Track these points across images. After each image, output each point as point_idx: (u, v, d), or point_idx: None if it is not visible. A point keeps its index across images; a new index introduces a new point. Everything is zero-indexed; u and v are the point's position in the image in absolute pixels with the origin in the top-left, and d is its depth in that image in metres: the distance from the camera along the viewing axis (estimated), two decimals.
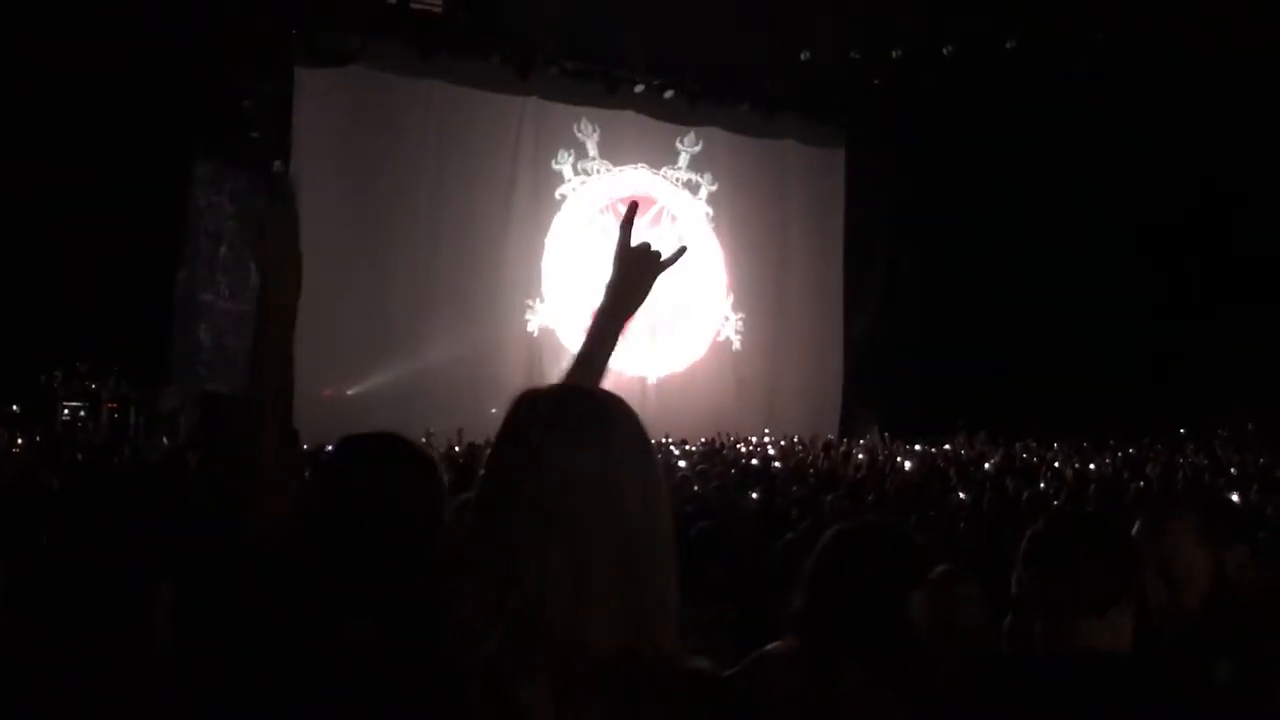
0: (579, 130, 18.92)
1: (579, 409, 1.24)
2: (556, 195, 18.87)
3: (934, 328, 19.23)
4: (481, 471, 1.25)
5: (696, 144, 19.81)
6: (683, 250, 1.85)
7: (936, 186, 18.78)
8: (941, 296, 19.37)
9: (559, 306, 18.19)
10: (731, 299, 20.62)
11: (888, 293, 20.99)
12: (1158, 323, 18.00)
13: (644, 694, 1.14)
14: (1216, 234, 17.43)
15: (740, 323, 20.67)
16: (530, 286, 18.34)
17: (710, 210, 20.53)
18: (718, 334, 20.51)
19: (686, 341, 20.00)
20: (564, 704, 1.12)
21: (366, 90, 16.65)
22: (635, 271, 1.73)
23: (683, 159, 19.86)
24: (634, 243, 1.76)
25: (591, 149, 19.16)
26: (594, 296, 1.75)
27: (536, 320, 18.24)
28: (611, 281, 1.73)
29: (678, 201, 19.95)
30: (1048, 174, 18.20)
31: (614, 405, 1.26)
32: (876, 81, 18.30)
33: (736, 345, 20.58)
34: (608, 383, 1.56)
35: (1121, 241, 18.50)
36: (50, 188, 13.14)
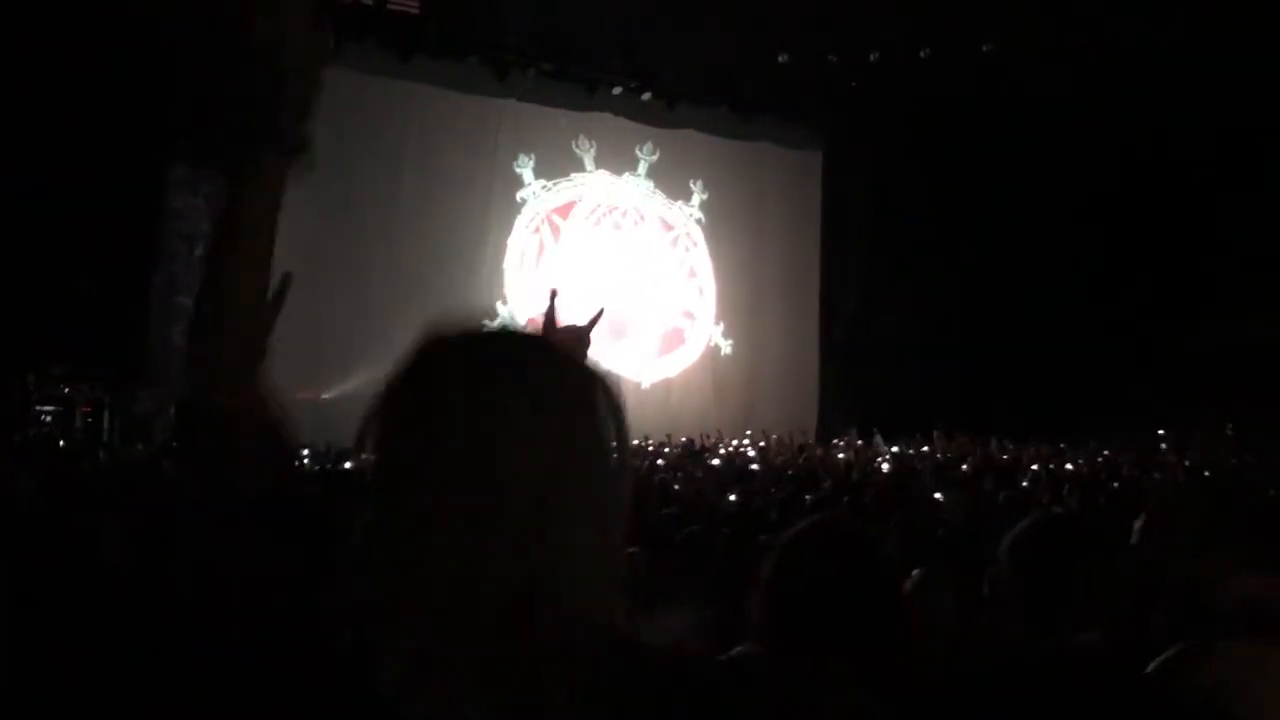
0: (557, 133, 18.92)
1: (521, 363, 1.11)
2: (518, 197, 18.87)
3: (911, 329, 19.30)
4: (387, 424, 1.13)
5: (654, 153, 19.76)
6: (600, 312, 1.82)
7: (913, 189, 18.86)
8: (919, 297, 19.43)
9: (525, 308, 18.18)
10: (716, 304, 20.67)
11: (865, 294, 21.05)
12: (1136, 323, 18.11)
13: (595, 676, 1.03)
14: (1197, 236, 17.53)
15: (721, 326, 20.74)
16: (501, 290, 18.31)
17: (703, 217, 20.59)
18: (709, 340, 20.56)
19: (679, 347, 20.13)
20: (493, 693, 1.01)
21: (343, 91, 16.53)
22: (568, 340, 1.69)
23: (641, 167, 19.80)
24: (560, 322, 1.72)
25: (577, 152, 19.21)
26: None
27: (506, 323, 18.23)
28: None
29: (647, 207, 19.91)
30: (1024, 176, 18.29)
31: (561, 358, 1.13)
32: (854, 84, 18.37)
33: (726, 350, 20.64)
34: None
35: (1099, 243, 18.60)
36: (23, 190, 13.00)
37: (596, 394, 1.11)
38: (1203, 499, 2.18)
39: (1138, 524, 2.16)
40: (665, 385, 19.69)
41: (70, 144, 13.24)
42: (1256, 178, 16.60)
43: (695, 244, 20.59)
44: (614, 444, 1.10)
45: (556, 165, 18.99)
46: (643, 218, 19.92)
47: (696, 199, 20.55)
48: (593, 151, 19.33)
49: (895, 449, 15.32)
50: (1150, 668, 1.86)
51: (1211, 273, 17.45)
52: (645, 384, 19.38)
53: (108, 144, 13.55)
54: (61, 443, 11.57)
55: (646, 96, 18.97)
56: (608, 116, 19.02)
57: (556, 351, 1.13)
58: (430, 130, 17.44)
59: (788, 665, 1.85)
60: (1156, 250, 17.96)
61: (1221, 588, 1.98)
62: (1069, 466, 12.05)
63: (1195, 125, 16.61)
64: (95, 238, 13.65)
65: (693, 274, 20.54)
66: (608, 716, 1.03)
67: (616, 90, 18.68)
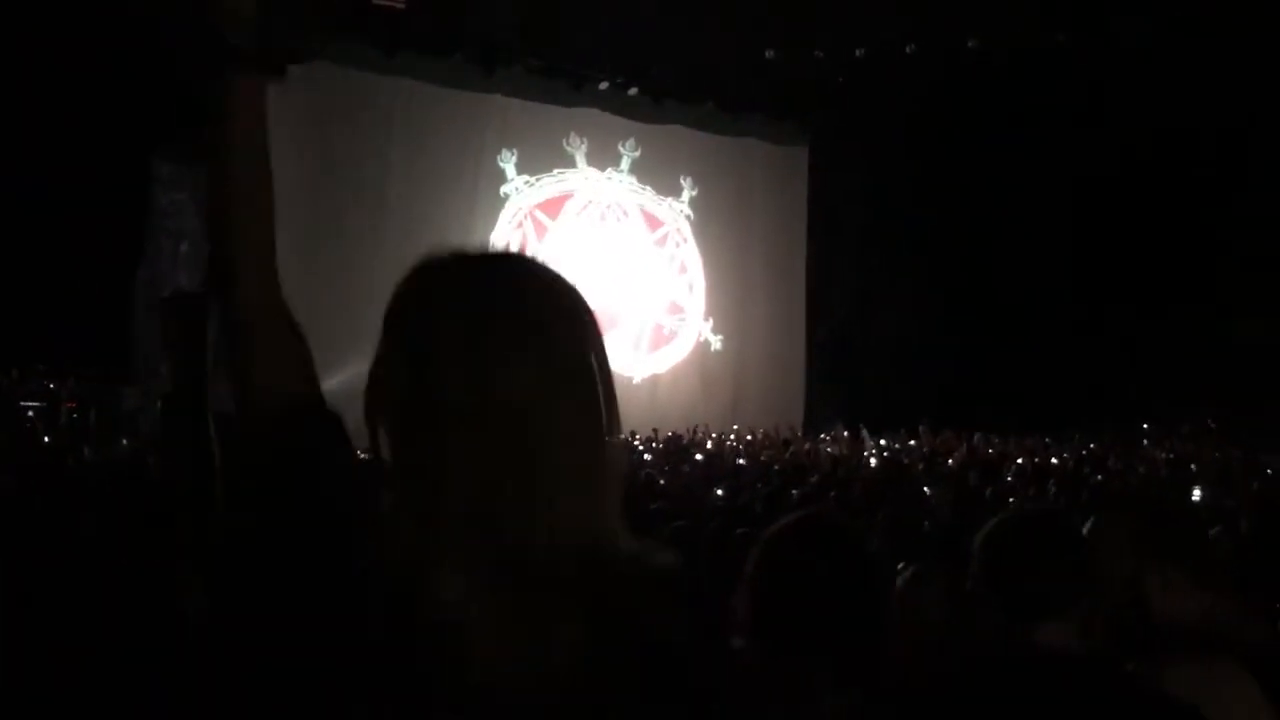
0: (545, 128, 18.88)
1: (518, 284, 1.14)
2: (501, 192, 18.82)
3: (898, 323, 19.35)
4: (397, 354, 1.15)
5: (636, 149, 19.71)
6: None
7: (900, 185, 18.90)
8: (905, 293, 19.48)
9: None
10: (706, 300, 20.69)
11: (851, 289, 21.08)
12: (1122, 319, 18.19)
13: (611, 592, 1.06)
14: (1185, 233, 17.61)
15: (711, 322, 20.75)
16: None
17: (692, 214, 20.59)
18: (699, 335, 20.58)
19: (668, 343, 20.18)
20: (521, 611, 1.04)
21: (329, 87, 16.49)
22: None
23: (624, 163, 19.76)
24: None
25: (568, 149, 19.18)
26: None
27: None
28: None
29: (632, 203, 19.85)
30: (1010, 172, 18.35)
31: (556, 279, 1.16)
32: (840, 80, 18.38)
33: (716, 346, 20.66)
34: None
35: (1086, 238, 18.67)
36: (8, 186, 12.93)
37: (587, 312, 1.15)
38: (1145, 513, 2.18)
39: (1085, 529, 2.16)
40: (654, 381, 19.71)
41: (56, 141, 13.17)
42: (1246, 176, 16.68)
43: (685, 240, 20.59)
44: (599, 363, 1.13)
45: (540, 160, 18.94)
46: (625, 213, 19.88)
47: (686, 195, 20.55)
48: (584, 148, 19.31)
49: (883, 442, 15.37)
50: (1122, 670, 1.87)
51: (1199, 270, 17.54)
52: (636, 379, 19.43)
53: (93, 141, 13.49)
54: (46, 439, 11.50)
55: (633, 92, 18.94)
56: (594, 112, 18.99)
57: (549, 269, 1.16)
58: (417, 126, 17.40)
59: (772, 662, 1.86)
60: (1143, 247, 18.04)
61: (1164, 604, 1.98)
62: (1054, 461, 12.09)
63: (1182, 123, 16.68)
64: (81, 234, 13.58)
65: (683, 269, 20.55)
66: (616, 635, 1.06)
67: (603, 86, 18.65)
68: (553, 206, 19.10)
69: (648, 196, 20.26)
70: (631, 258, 19.82)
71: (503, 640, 1.04)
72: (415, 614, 1.04)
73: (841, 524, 2.05)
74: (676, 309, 20.43)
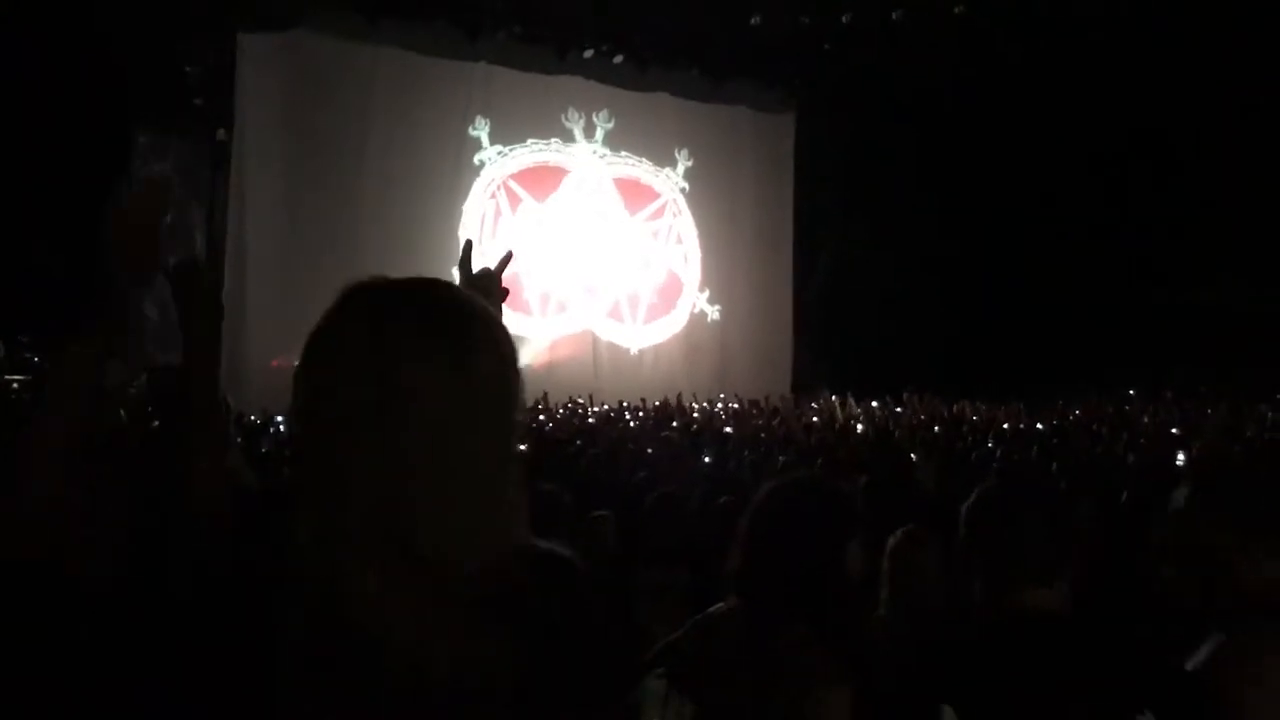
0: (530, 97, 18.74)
1: (426, 304, 1.19)
2: (475, 160, 18.69)
3: (884, 290, 19.39)
4: (303, 371, 1.18)
5: (610, 120, 19.57)
6: (468, 244, 1.88)
7: (886, 151, 18.87)
8: (891, 259, 19.50)
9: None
10: (701, 270, 20.71)
11: (838, 256, 21.09)
12: (1109, 286, 18.27)
13: (520, 588, 1.12)
14: (1171, 201, 17.66)
15: (708, 293, 20.78)
16: (489, 252, 18.22)
17: (687, 186, 20.54)
18: (695, 306, 20.62)
19: (665, 314, 20.25)
20: (427, 619, 1.08)
21: (311, 55, 16.37)
22: (480, 288, 1.74)
23: (598, 134, 19.60)
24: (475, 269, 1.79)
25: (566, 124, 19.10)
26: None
27: None
28: None
29: (590, 176, 19.68)
30: (996, 139, 18.34)
31: (465, 299, 1.21)
32: (826, 46, 18.30)
33: (714, 316, 20.72)
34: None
35: (1073, 206, 18.71)
36: None
37: (499, 336, 1.20)
38: (1239, 485, 2.11)
39: (1179, 494, 2.12)
40: (653, 352, 19.79)
41: (34, 112, 13.04)
42: (1228, 145, 16.70)
43: (680, 211, 20.56)
44: (508, 387, 1.18)
45: (515, 131, 18.76)
46: (606, 185, 19.74)
47: (681, 166, 20.50)
48: (581, 123, 19.22)
49: (874, 404, 15.42)
50: (1196, 661, 1.84)
51: (1184, 237, 17.60)
52: (633, 350, 19.53)
53: (72, 112, 13.37)
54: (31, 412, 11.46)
55: (618, 60, 18.81)
56: (576, 80, 18.85)
57: (462, 295, 1.21)
58: (397, 94, 17.25)
59: (759, 623, 1.88)
60: (1130, 213, 18.09)
61: (1251, 577, 1.93)
62: (1039, 426, 12.15)
63: (1165, 91, 16.69)
64: (61, 206, 13.48)
65: (679, 240, 20.54)
66: (525, 628, 1.12)
67: (588, 53, 18.51)
68: (528, 178, 18.92)
69: (644, 168, 20.18)
70: (620, 229, 19.77)
71: (421, 636, 1.07)
72: (333, 615, 1.07)
73: (831, 485, 2.07)
74: (674, 279, 20.43)
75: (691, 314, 20.59)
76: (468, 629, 1.09)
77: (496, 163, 18.59)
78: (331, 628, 1.08)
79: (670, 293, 20.35)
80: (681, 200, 20.56)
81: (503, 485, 1.15)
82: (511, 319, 17.90)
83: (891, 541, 3.08)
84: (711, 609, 2.05)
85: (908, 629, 2.73)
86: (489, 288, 1.76)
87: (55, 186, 13.36)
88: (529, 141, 18.88)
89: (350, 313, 1.20)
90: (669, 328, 20.24)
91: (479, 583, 1.10)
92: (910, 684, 1.84)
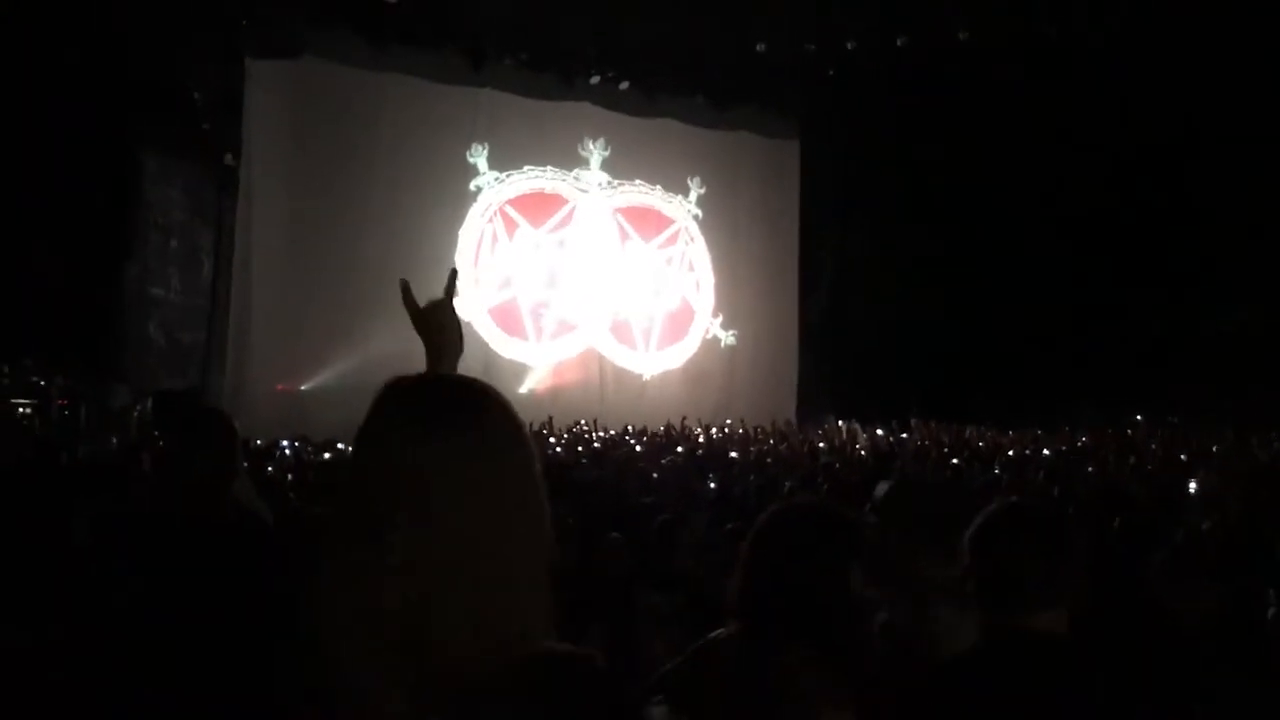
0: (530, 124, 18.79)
1: (442, 398, 1.21)
2: (472, 186, 18.68)
3: (889, 316, 19.39)
4: (347, 468, 1.20)
5: (606, 149, 19.56)
6: (453, 273, 1.89)
7: (890, 177, 18.91)
8: (896, 285, 19.51)
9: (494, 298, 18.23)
10: (715, 295, 20.80)
11: (842, 282, 21.12)
12: (1113, 310, 18.25)
13: (517, 696, 1.11)
14: (1174, 224, 17.65)
15: (721, 318, 20.87)
16: (485, 279, 18.23)
17: (700, 213, 20.64)
18: (708, 331, 20.72)
19: (678, 340, 20.35)
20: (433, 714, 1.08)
21: (318, 81, 16.46)
22: (432, 323, 1.75)
23: (594, 161, 19.57)
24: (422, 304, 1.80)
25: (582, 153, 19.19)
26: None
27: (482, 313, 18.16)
28: (425, 345, 1.74)
29: (587, 203, 19.64)
30: (1000, 164, 18.36)
31: (480, 392, 1.22)
32: (831, 73, 18.39)
33: (728, 341, 20.81)
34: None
35: (1076, 230, 18.71)
36: None
37: (530, 449, 1.21)
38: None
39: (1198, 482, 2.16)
40: (659, 377, 19.86)
41: (43, 134, 13.11)
42: (1236, 166, 16.71)
43: (693, 239, 20.65)
44: (536, 490, 1.19)
45: (521, 156, 18.79)
46: (603, 212, 19.69)
47: (694, 194, 20.59)
48: (586, 150, 19.30)
49: (879, 432, 15.40)
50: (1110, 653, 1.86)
51: (1188, 260, 17.59)
52: (646, 376, 19.60)
53: (81, 134, 13.44)
54: (36, 435, 11.48)
55: (624, 86, 18.89)
56: (584, 106, 18.91)
57: (502, 401, 1.22)
58: (404, 121, 17.31)
59: (759, 643, 1.87)
60: (1131, 238, 18.09)
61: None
62: (1045, 451, 12.13)
63: (1169, 118, 16.74)
64: (68, 230, 13.54)
65: (691, 268, 20.63)
66: None
67: (594, 80, 18.60)
68: (526, 203, 18.89)
69: (655, 195, 20.27)
70: (624, 256, 19.82)
71: None
72: (350, 709, 1.08)
73: (835, 510, 2.07)
74: (685, 306, 20.51)
75: (704, 340, 20.65)
76: None
77: (494, 188, 18.59)
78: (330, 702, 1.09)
79: (682, 319, 20.41)
80: (694, 227, 20.65)
81: (528, 591, 1.15)
82: (508, 343, 17.90)
83: None
84: (713, 635, 2.04)
85: (906, 653, 2.73)
86: (440, 316, 1.76)
87: (63, 210, 13.42)
88: (525, 168, 18.87)
89: (387, 415, 1.20)
90: (681, 354, 20.32)
91: (494, 686, 1.10)
92: (914, 706, 1.83)
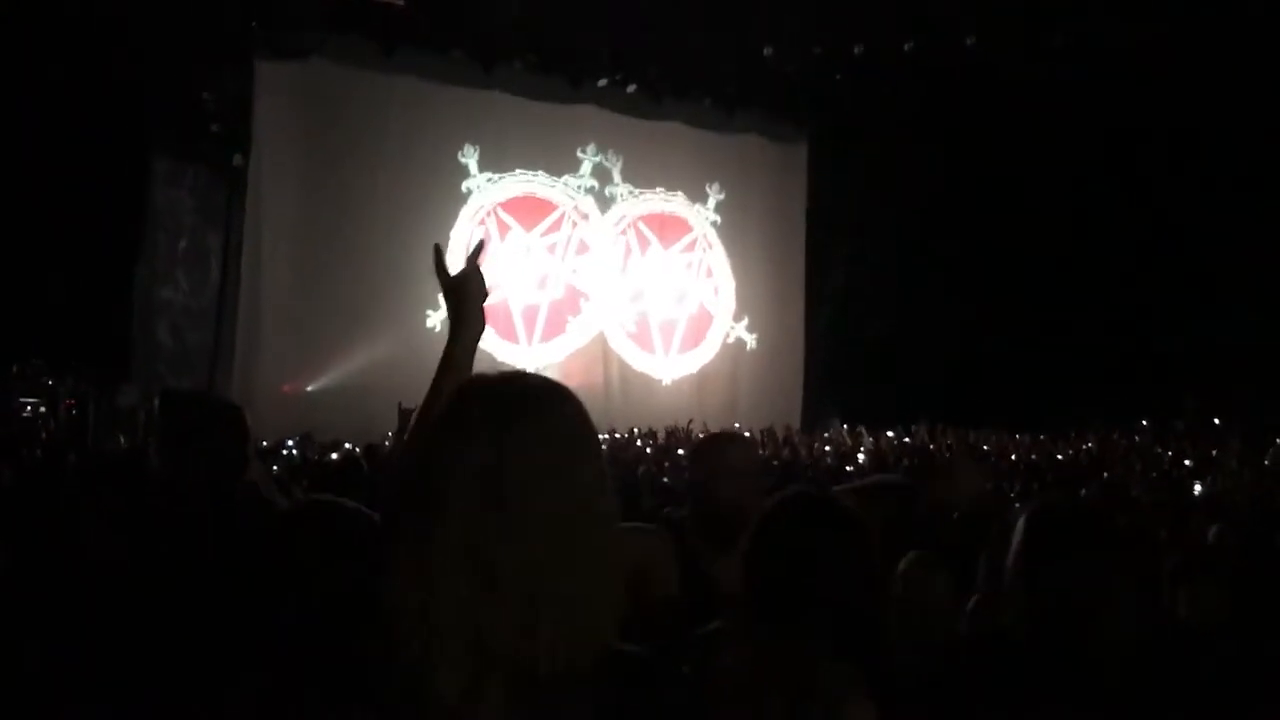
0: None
1: (522, 391, 1.21)
2: (464, 188, 18.59)
3: (896, 321, 19.37)
4: (403, 457, 1.21)
5: (598, 154, 19.49)
6: (480, 244, 1.89)
7: (898, 181, 18.88)
8: (904, 290, 19.49)
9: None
10: (735, 301, 20.88)
11: (849, 286, 21.10)
12: (1120, 316, 18.21)
13: (589, 696, 1.12)
14: (1183, 232, 17.61)
15: (745, 320, 20.98)
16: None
17: (718, 219, 20.70)
18: (728, 335, 20.82)
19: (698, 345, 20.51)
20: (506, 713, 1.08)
21: (327, 84, 16.50)
22: (461, 291, 1.75)
23: (585, 166, 19.49)
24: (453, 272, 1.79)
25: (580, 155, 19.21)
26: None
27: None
28: (448, 311, 1.78)
29: (580, 207, 19.52)
30: (1008, 169, 18.34)
31: (558, 390, 1.24)
32: (838, 77, 18.38)
33: (751, 345, 20.93)
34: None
35: (1085, 236, 18.68)
36: (5, 182, 12.92)
37: (596, 437, 1.23)
38: None
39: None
40: (669, 382, 19.88)
41: (53, 138, 13.16)
42: (1241, 174, 16.69)
43: (711, 245, 20.72)
44: (607, 489, 1.20)
45: (521, 158, 18.80)
46: (585, 216, 19.54)
47: (713, 200, 20.63)
48: (592, 156, 19.36)
49: (889, 434, 15.39)
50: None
51: (1196, 268, 17.55)
52: (665, 381, 19.76)
53: (90, 137, 13.48)
54: (44, 435, 11.51)
55: (632, 89, 18.89)
56: (590, 109, 18.91)
57: (578, 405, 1.25)
58: (413, 123, 17.34)
59: (766, 633, 1.86)
60: (1140, 245, 18.06)
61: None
62: (1059, 458, 12.12)
63: (1181, 121, 16.70)
64: (78, 231, 13.58)
65: (709, 274, 20.72)
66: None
67: (601, 83, 18.60)
68: (516, 207, 18.83)
69: (679, 202, 20.38)
70: (649, 263, 19.93)
71: None
72: (421, 703, 1.08)
73: (835, 499, 2.06)
74: (704, 312, 20.60)
75: (725, 344, 20.76)
76: None
77: (486, 190, 18.53)
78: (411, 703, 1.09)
79: (700, 324, 20.55)
80: (713, 234, 20.78)
81: (596, 587, 1.14)
82: (499, 345, 17.87)
83: (902, 565, 3.07)
84: (709, 626, 2.02)
85: (917, 653, 2.72)
86: (468, 286, 1.76)
87: (73, 211, 13.46)
88: (516, 171, 18.83)
89: (467, 406, 1.20)
90: (699, 359, 20.46)
91: (561, 686, 1.10)
92: (938, 706, 1.81)
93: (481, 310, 1.76)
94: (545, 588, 1.10)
